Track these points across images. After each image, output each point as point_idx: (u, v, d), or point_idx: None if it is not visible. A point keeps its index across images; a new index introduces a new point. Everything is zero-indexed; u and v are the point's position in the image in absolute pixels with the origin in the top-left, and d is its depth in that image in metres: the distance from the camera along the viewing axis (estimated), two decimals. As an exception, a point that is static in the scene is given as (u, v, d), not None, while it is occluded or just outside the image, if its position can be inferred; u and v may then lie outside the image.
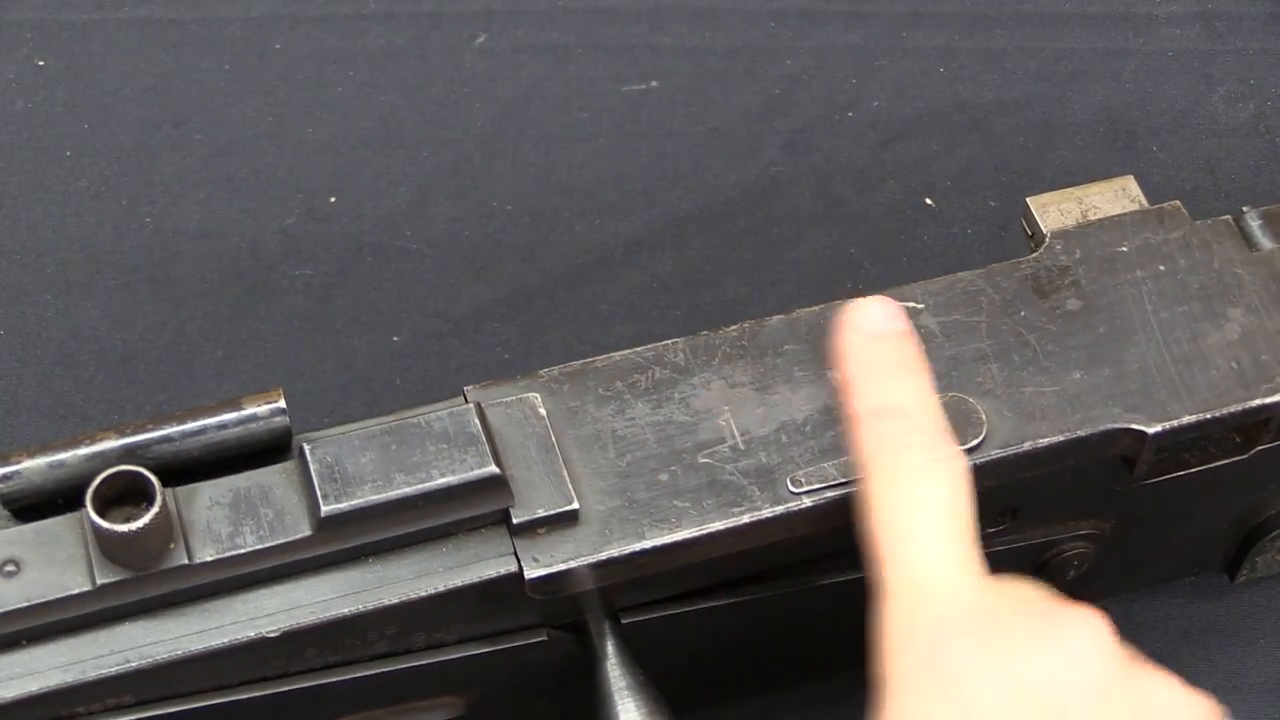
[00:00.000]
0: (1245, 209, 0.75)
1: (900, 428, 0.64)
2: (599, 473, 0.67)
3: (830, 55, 1.01)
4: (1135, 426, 0.69)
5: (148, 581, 0.63)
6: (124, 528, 0.61)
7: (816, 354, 0.70)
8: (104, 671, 0.62)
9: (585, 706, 0.69)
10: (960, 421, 0.68)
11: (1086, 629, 0.61)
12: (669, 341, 0.70)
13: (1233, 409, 0.70)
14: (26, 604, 0.62)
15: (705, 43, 1.01)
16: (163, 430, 0.65)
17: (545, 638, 0.68)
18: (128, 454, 0.65)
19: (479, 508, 0.65)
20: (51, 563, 0.63)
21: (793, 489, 0.67)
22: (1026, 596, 0.63)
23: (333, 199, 0.95)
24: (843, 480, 0.67)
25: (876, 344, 0.67)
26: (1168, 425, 0.69)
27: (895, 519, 0.63)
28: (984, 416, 0.68)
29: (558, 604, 0.67)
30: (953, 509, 0.63)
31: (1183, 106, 0.99)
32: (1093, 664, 0.60)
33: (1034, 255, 0.73)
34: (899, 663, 0.61)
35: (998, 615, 0.61)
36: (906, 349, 0.67)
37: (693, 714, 0.74)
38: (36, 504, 0.64)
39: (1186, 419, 0.69)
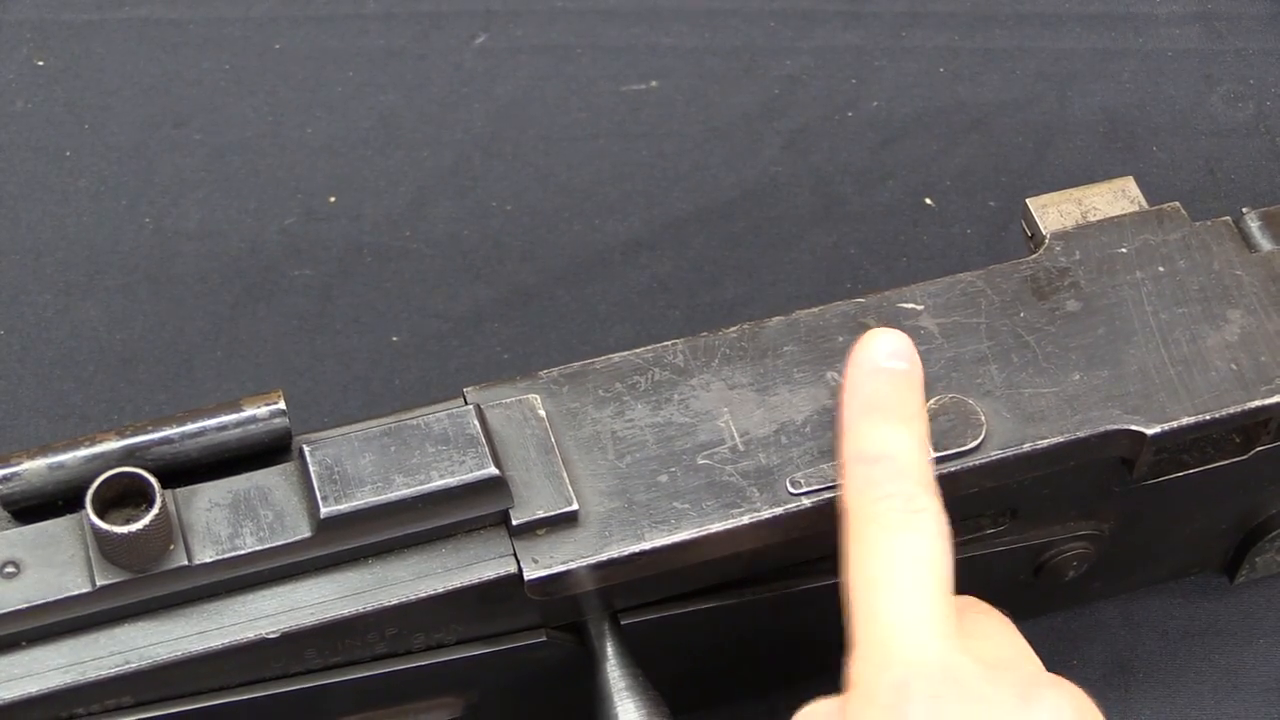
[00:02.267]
0: (1244, 210, 0.75)
1: (881, 474, 0.63)
2: (598, 474, 0.67)
3: (830, 55, 1.01)
4: (1134, 428, 0.69)
5: (148, 583, 0.63)
6: (124, 529, 0.61)
7: (816, 355, 0.70)
8: (104, 672, 0.63)
9: (585, 707, 0.69)
10: (959, 423, 0.68)
11: (1062, 708, 0.59)
12: (668, 343, 0.70)
13: (1232, 410, 0.70)
14: (26, 605, 0.62)
15: (705, 43, 1.01)
16: (162, 432, 0.65)
17: (545, 638, 0.68)
18: (127, 455, 0.65)
19: (478, 509, 0.65)
20: (51, 564, 0.63)
21: (792, 490, 0.67)
22: (1003, 662, 0.61)
23: (332, 199, 0.95)
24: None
25: (874, 380, 0.66)
26: (1167, 427, 0.69)
27: (869, 570, 0.61)
28: (983, 418, 0.68)
29: (557, 605, 0.67)
30: (930, 563, 0.61)
31: (1183, 106, 0.99)
32: None
33: (1033, 256, 0.73)
34: (857, 718, 0.59)
35: (966, 682, 0.59)
36: (905, 390, 0.66)
37: (692, 715, 0.75)
38: (36, 505, 0.65)
39: (1186, 420, 0.69)
